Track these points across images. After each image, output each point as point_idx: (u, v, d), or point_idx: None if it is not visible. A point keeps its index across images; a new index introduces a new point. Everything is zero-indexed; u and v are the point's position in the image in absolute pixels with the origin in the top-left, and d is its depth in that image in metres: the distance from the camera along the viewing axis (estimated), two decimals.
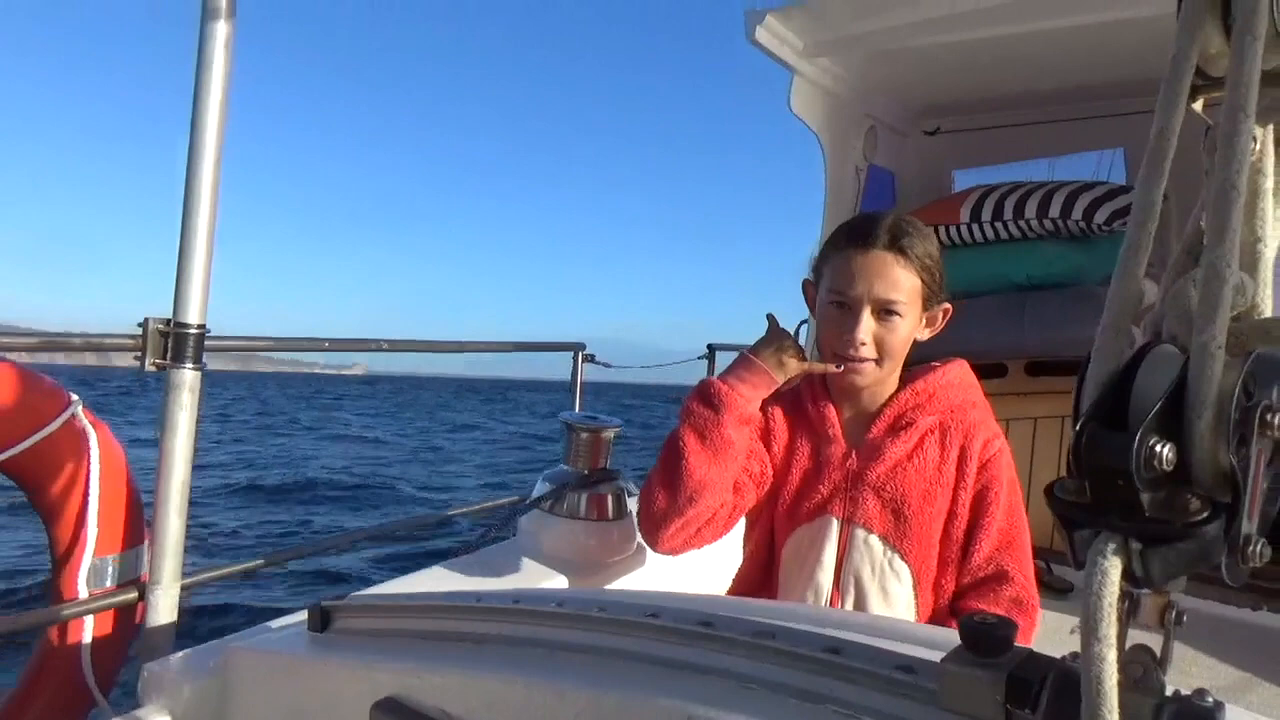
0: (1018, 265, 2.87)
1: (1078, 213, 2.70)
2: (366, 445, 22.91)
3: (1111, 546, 0.44)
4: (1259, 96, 0.42)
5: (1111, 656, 0.43)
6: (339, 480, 14.22)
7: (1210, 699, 0.50)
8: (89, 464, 1.77)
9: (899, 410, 1.42)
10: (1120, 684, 0.44)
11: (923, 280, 1.36)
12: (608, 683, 0.73)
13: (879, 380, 1.41)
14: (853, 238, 1.37)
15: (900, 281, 1.34)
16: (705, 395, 1.37)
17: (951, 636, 0.63)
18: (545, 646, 0.82)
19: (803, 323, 1.47)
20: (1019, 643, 0.59)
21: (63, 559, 1.79)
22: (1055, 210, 2.74)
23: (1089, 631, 0.44)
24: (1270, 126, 0.50)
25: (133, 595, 1.62)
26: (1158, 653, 0.50)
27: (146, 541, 1.86)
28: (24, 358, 1.76)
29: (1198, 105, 0.50)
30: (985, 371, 2.68)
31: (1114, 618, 0.43)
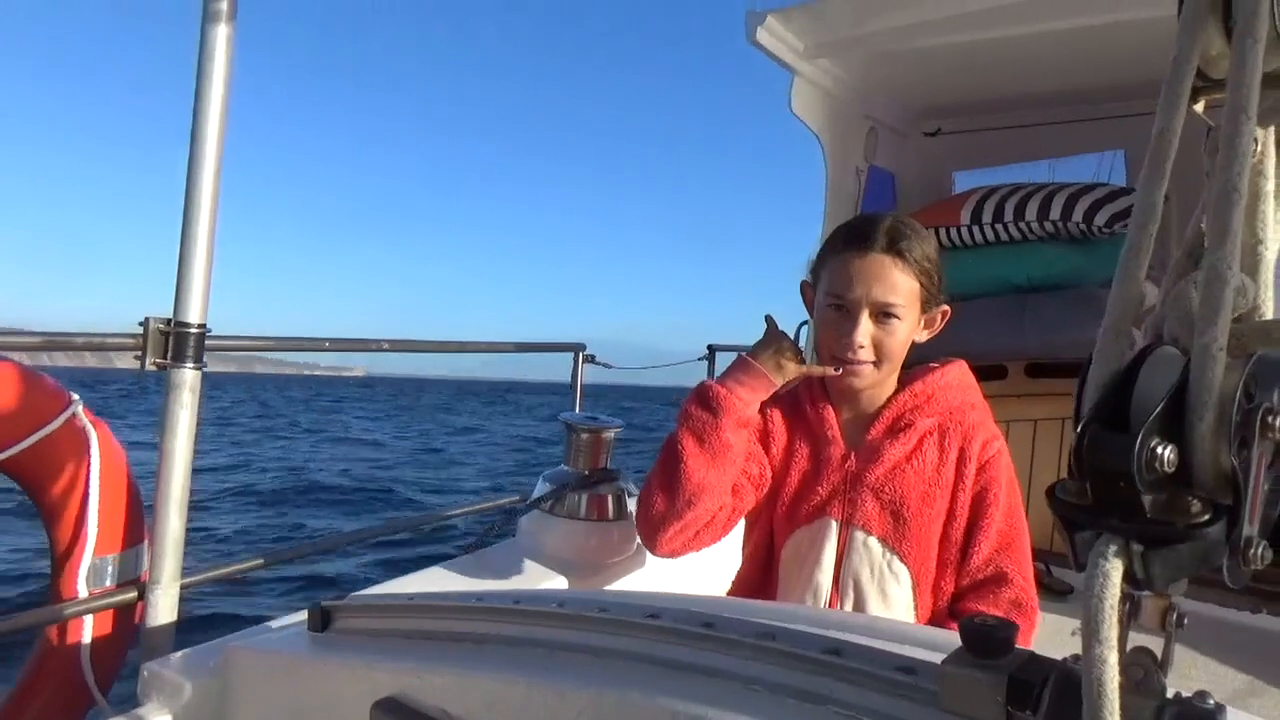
0: (1018, 267, 2.88)
1: (1078, 215, 2.71)
2: (365, 447, 22.89)
3: (1113, 548, 0.44)
4: (1260, 98, 0.42)
5: (1113, 659, 0.43)
6: (337, 484, 14.19)
7: (1211, 701, 0.50)
8: (89, 463, 1.77)
9: (898, 412, 1.41)
10: (1121, 686, 0.44)
11: (921, 283, 1.36)
12: (608, 683, 0.73)
13: (877, 382, 1.41)
14: (851, 240, 1.36)
15: (898, 285, 1.34)
16: (703, 398, 1.37)
17: (952, 638, 0.63)
18: (546, 647, 0.82)
19: (803, 324, 1.47)
20: (1018, 644, 0.59)
21: (62, 558, 1.79)
22: (1056, 212, 2.74)
23: (1090, 633, 0.44)
24: (1271, 129, 0.50)
25: (132, 595, 1.62)
26: (1158, 655, 0.50)
27: (146, 541, 1.86)
28: (25, 358, 1.77)
29: (1199, 107, 0.50)
30: (985, 373, 2.68)
31: (1115, 620, 0.43)
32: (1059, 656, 0.57)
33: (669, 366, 3.40)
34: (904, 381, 1.44)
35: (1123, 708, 0.44)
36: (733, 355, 1.44)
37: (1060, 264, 2.81)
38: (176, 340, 1.44)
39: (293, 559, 2.40)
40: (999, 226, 2.84)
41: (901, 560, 1.37)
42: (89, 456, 1.77)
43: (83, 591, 1.74)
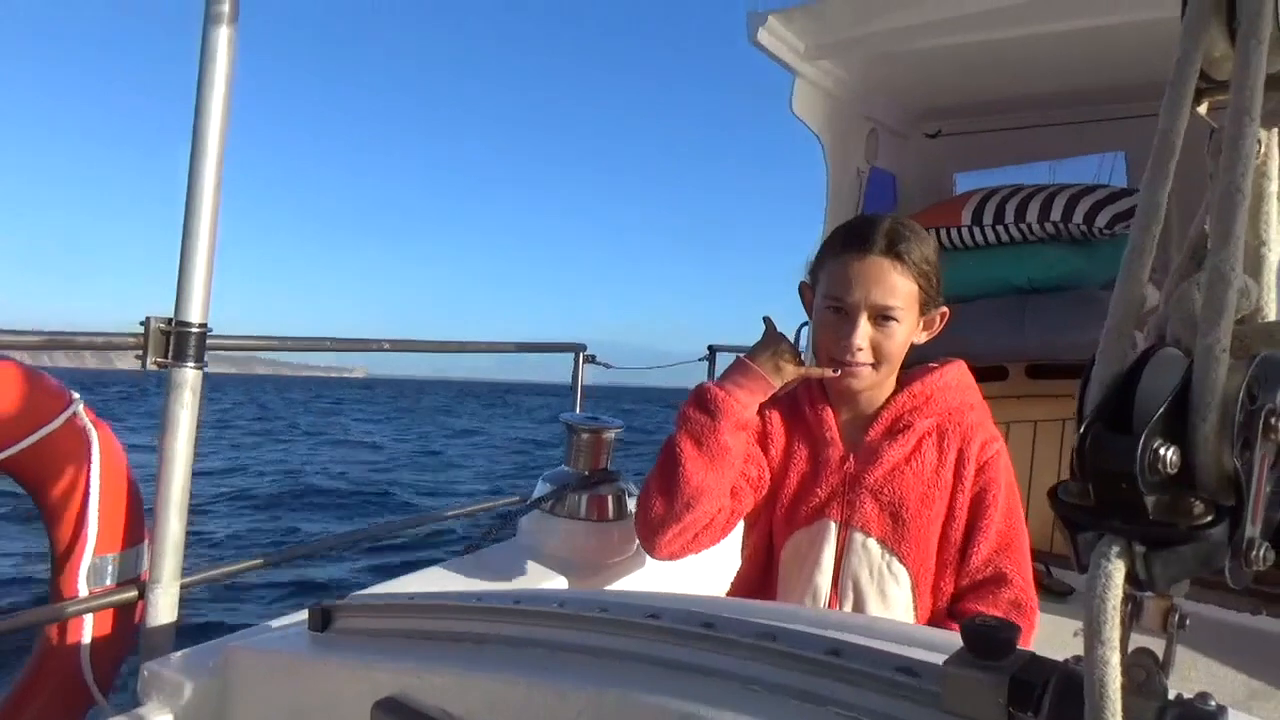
0: (1019, 268, 2.88)
1: (1079, 216, 2.71)
2: (364, 450, 22.86)
3: (1115, 549, 0.44)
4: (1264, 100, 0.42)
5: (1115, 660, 0.43)
6: (335, 488, 14.14)
7: (1213, 703, 0.50)
8: (90, 463, 1.77)
9: (896, 413, 1.41)
10: (1123, 687, 0.44)
11: (920, 285, 1.36)
12: (609, 683, 0.73)
13: (876, 384, 1.41)
14: (849, 243, 1.36)
15: (897, 287, 1.34)
16: (702, 401, 1.37)
17: (952, 639, 0.63)
18: (546, 647, 0.82)
19: (803, 325, 1.47)
20: (1019, 645, 0.59)
21: (63, 557, 1.79)
22: (1056, 214, 2.74)
23: (1092, 634, 0.44)
24: (1275, 130, 0.50)
25: (132, 594, 1.62)
26: (1159, 657, 0.50)
27: (146, 540, 1.86)
28: (25, 358, 1.77)
29: (1202, 109, 0.50)
30: (986, 374, 2.68)
31: (1118, 621, 0.43)
32: (1059, 658, 0.57)
33: (669, 367, 3.40)
34: (903, 382, 1.44)
35: (1124, 709, 0.44)
36: (733, 356, 1.44)
37: (1061, 265, 2.81)
38: (177, 340, 1.44)
39: (292, 559, 2.40)
40: (1000, 228, 2.85)
41: (900, 561, 1.37)
42: (89, 456, 1.77)
43: (83, 591, 1.74)
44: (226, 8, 1.41)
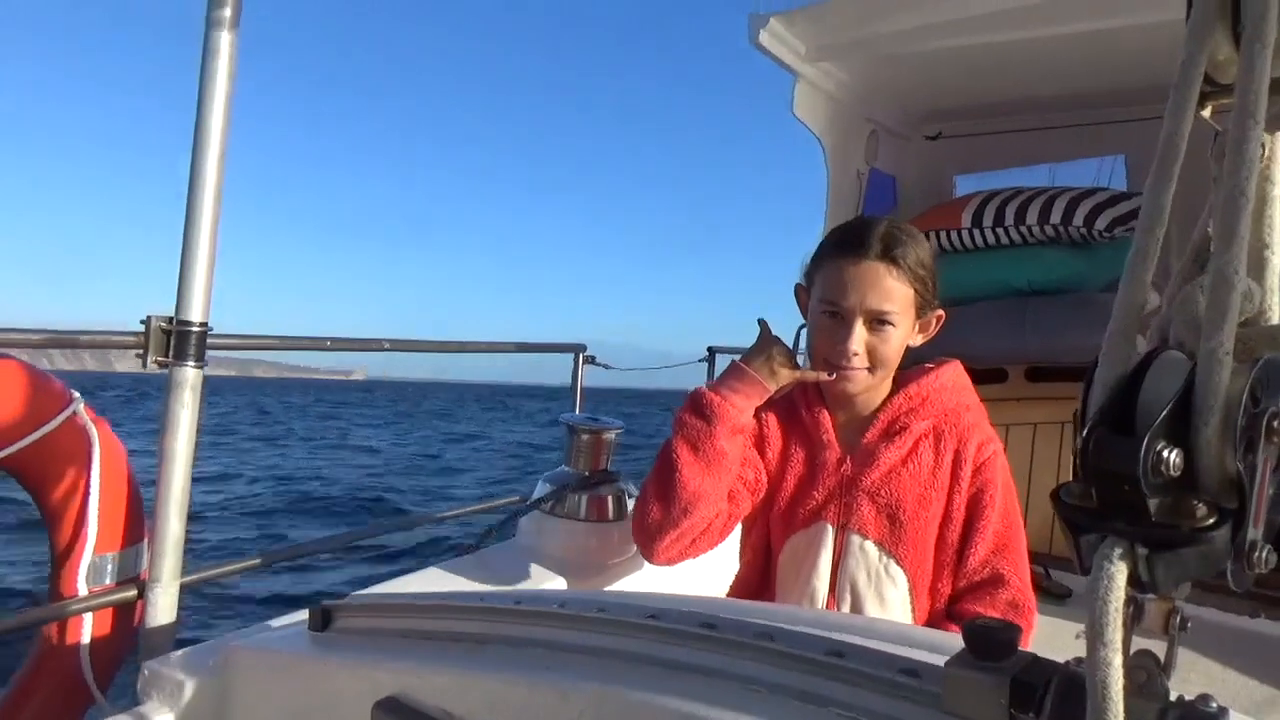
0: (1019, 271, 2.88)
1: (1079, 219, 2.71)
2: (363, 454, 22.81)
3: (1118, 551, 0.44)
4: (1268, 104, 0.42)
5: (1117, 661, 0.43)
6: (332, 494, 14.09)
7: (1214, 704, 0.50)
8: (90, 462, 1.77)
9: (893, 415, 1.41)
10: (1124, 689, 0.44)
11: (915, 289, 1.36)
12: (609, 684, 0.73)
13: (871, 386, 1.41)
14: (845, 246, 1.36)
15: (893, 292, 1.34)
16: (697, 406, 1.37)
17: (954, 640, 0.63)
18: (547, 647, 0.82)
19: (803, 327, 1.47)
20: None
21: (62, 556, 1.79)
22: (1056, 216, 2.75)
23: (1095, 636, 0.44)
24: (1279, 134, 0.50)
25: (132, 593, 1.62)
26: (1160, 658, 0.50)
27: (146, 539, 1.86)
28: (25, 358, 1.77)
29: (1206, 112, 0.50)
30: (986, 376, 2.68)
31: (1120, 623, 0.43)
32: (1059, 659, 0.57)
33: (669, 368, 3.40)
34: (899, 384, 1.44)
35: (1126, 710, 0.44)
36: (733, 357, 1.44)
37: (1061, 268, 2.81)
38: (178, 339, 1.44)
39: (290, 559, 2.40)
40: (1000, 230, 2.85)
41: (898, 563, 1.37)
42: (90, 455, 1.77)
43: (82, 590, 1.74)
44: (228, 11, 1.41)
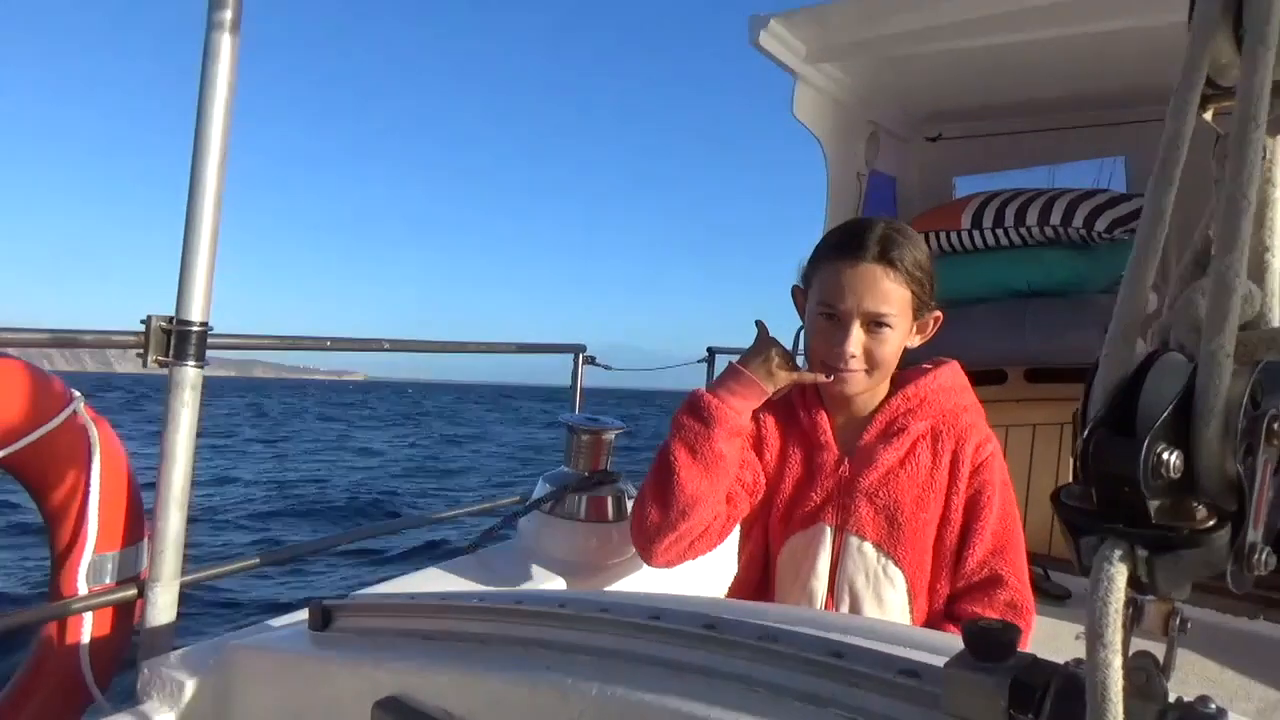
0: (1019, 272, 2.88)
1: (1078, 220, 2.71)
2: (361, 456, 22.79)
3: (1118, 553, 0.44)
4: (1270, 107, 0.42)
5: (1117, 663, 0.44)
6: (330, 497, 14.05)
7: (1213, 705, 0.51)
8: (90, 461, 1.76)
9: (890, 416, 1.42)
10: (1124, 690, 0.44)
11: (913, 291, 1.36)
12: (611, 684, 0.74)
13: (869, 388, 1.41)
14: (842, 249, 1.36)
15: (890, 294, 1.34)
16: (695, 408, 1.37)
17: (954, 641, 0.63)
18: (548, 647, 0.82)
19: (802, 328, 1.47)
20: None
21: (62, 555, 1.79)
22: (1056, 218, 2.75)
23: (1094, 637, 0.44)
24: None
25: (132, 592, 1.62)
26: (1160, 660, 0.50)
27: (146, 538, 1.86)
28: (27, 358, 1.77)
29: (1208, 115, 0.50)
30: (985, 378, 2.68)
31: (1120, 624, 0.44)
32: (1058, 660, 0.57)
33: (669, 369, 3.40)
34: (897, 384, 1.44)
35: (1125, 712, 0.44)
36: (734, 357, 1.44)
37: (1060, 269, 2.81)
38: (179, 338, 1.44)
39: (290, 559, 2.40)
40: (999, 231, 2.85)
41: (896, 565, 1.37)
42: (90, 454, 1.77)
43: (82, 588, 1.74)
44: (229, 14, 1.42)
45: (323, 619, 1.02)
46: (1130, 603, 0.45)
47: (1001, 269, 2.90)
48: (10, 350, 1.71)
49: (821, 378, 1.38)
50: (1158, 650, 0.50)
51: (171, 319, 1.45)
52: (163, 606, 1.45)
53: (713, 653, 0.73)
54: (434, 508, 13.18)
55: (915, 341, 1.42)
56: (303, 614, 1.07)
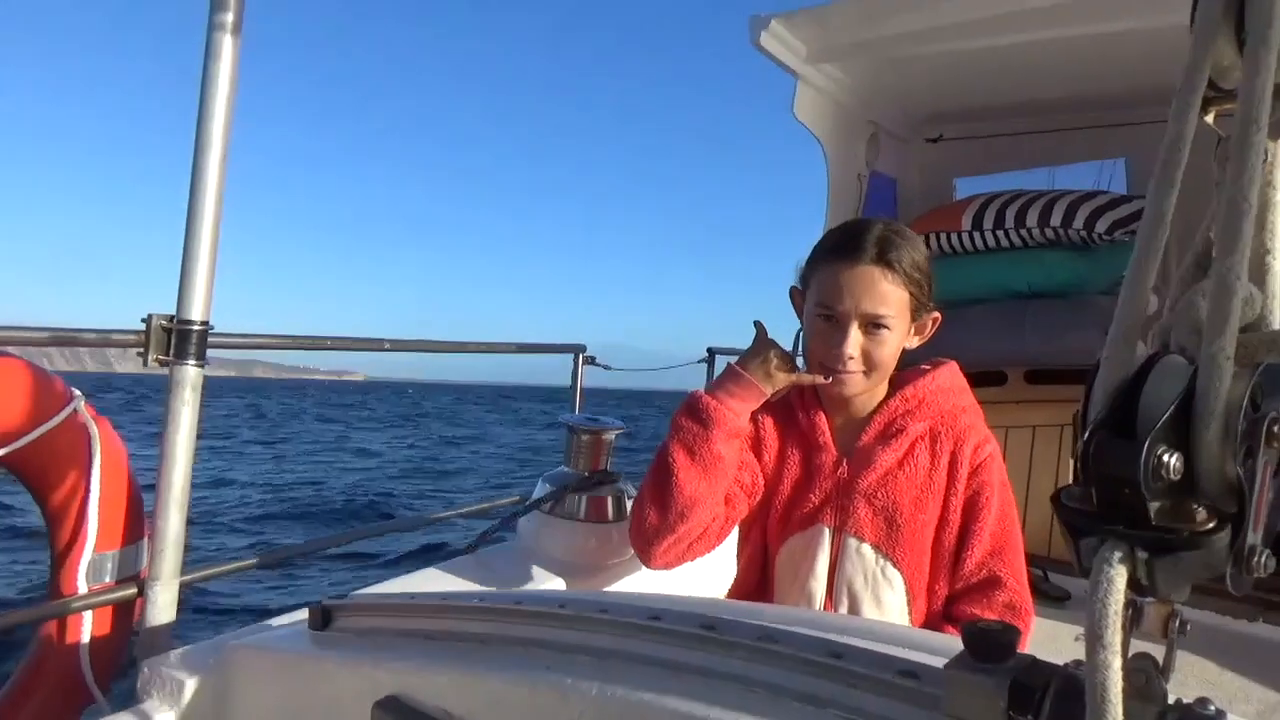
0: (1019, 273, 2.88)
1: (1079, 222, 2.71)
2: (360, 458, 22.75)
3: (1118, 554, 0.44)
4: (1271, 110, 0.42)
5: (1117, 664, 0.44)
6: (329, 499, 14.01)
7: (1213, 707, 0.51)
8: (90, 459, 1.76)
9: (889, 417, 1.41)
10: (1123, 691, 0.44)
11: (911, 292, 1.36)
12: (610, 684, 0.74)
13: (867, 389, 1.41)
14: (840, 250, 1.36)
15: (888, 296, 1.33)
16: (694, 410, 1.37)
17: (953, 642, 0.63)
18: (548, 647, 0.82)
19: (801, 329, 1.47)
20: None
21: (62, 554, 1.79)
22: (1056, 219, 2.75)
23: (1094, 639, 0.44)
24: None
25: (132, 591, 1.62)
26: (1159, 661, 0.50)
27: (146, 538, 1.86)
28: (27, 358, 1.76)
29: (1209, 117, 0.50)
30: (985, 379, 2.68)
31: (1119, 625, 0.44)
32: (1058, 661, 0.57)
33: (669, 369, 3.40)
34: (895, 385, 1.44)
35: (1125, 713, 0.44)
36: (734, 358, 1.44)
37: (1061, 271, 2.81)
38: (179, 338, 1.44)
39: (289, 559, 2.40)
40: (1000, 233, 2.85)
41: (895, 566, 1.37)
42: (90, 453, 1.77)
43: (82, 587, 1.74)
44: (230, 15, 1.42)
45: (322, 619, 1.02)
46: (1130, 604, 0.45)
47: (1002, 270, 2.90)
48: (11, 349, 1.71)
49: (820, 379, 1.38)
50: (1157, 652, 0.50)
51: (172, 318, 1.45)
52: (163, 605, 1.45)
53: (712, 653, 0.73)
54: (431, 509, 13.10)
55: (914, 343, 1.42)
56: (303, 614, 1.07)
